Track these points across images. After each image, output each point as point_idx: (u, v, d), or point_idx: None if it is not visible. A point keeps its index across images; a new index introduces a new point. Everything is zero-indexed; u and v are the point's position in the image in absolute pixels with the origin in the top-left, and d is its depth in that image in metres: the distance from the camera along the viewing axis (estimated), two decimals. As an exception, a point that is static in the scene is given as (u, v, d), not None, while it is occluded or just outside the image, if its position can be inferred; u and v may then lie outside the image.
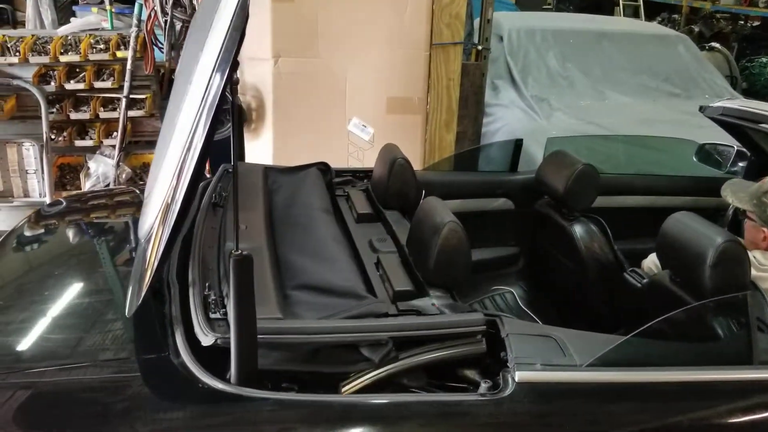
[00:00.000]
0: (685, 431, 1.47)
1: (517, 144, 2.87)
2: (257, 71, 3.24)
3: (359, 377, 1.46)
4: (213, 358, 1.42)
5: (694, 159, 3.22)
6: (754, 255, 2.03)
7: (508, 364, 1.44)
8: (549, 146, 2.89)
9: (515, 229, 2.81)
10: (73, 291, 1.89)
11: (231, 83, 1.33)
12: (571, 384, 1.44)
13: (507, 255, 2.83)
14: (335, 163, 2.74)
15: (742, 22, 10.42)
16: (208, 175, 3.40)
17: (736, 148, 3.04)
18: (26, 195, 3.90)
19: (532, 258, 2.80)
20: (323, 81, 3.25)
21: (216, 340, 1.40)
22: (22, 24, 4.87)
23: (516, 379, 1.41)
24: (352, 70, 3.26)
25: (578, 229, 2.40)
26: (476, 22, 4.10)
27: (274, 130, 3.26)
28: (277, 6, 3.12)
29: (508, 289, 2.66)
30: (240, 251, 1.28)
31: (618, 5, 9.88)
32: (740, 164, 3.04)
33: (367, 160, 2.91)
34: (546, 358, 1.45)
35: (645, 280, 2.14)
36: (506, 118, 4.41)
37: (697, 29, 10.00)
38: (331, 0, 3.17)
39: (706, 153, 3.22)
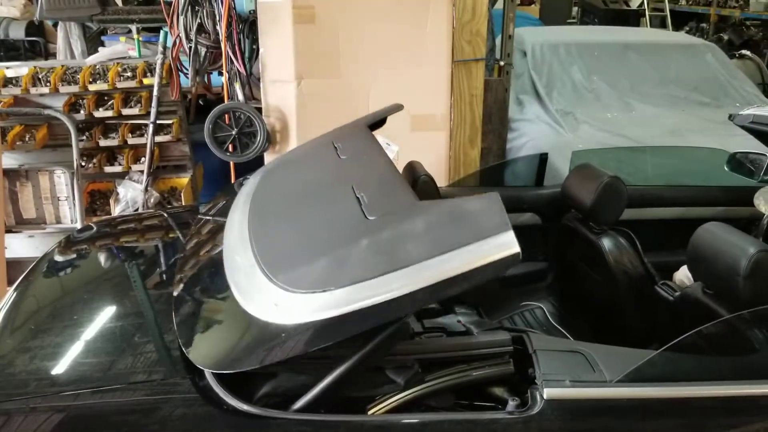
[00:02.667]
0: None
1: (542, 158, 2.84)
2: (280, 93, 3.27)
3: (385, 400, 1.44)
4: (236, 380, 1.42)
5: (726, 168, 3.16)
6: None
7: (536, 381, 1.41)
8: (575, 159, 2.86)
9: (543, 243, 2.77)
10: (104, 314, 1.91)
11: None
12: (600, 401, 1.41)
13: (535, 270, 2.80)
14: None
15: (773, 29, 10.24)
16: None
17: (768, 156, 2.98)
18: (58, 221, 3.97)
19: (561, 273, 2.76)
20: (346, 101, 3.27)
21: None
22: (54, 56, 4.99)
23: (544, 396, 1.38)
24: (375, 89, 3.27)
25: (607, 243, 2.35)
26: (498, 38, 4.10)
27: (298, 151, 3.28)
28: (299, 28, 3.15)
29: (538, 305, 2.62)
30: None
31: (644, 16, 9.80)
32: (775, 174, 2.97)
33: (392, 178, 2.91)
34: (575, 375, 1.42)
35: (677, 293, 2.09)
36: (531, 132, 4.38)
37: (726, 37, 9.86)
38: (351, 20, 3.20)
39: (738, 162, 3.15)
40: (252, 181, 2.26)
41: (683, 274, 2.21)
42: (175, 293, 1.84)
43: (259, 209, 1.96)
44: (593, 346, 1.48)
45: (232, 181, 3.53)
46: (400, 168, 2.49)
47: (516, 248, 1.35)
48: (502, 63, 3.91)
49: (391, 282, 1.37)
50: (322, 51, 3.21)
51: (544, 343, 1.53)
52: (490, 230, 1.39)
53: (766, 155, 2.98)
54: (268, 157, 3.38)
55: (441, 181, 2.59)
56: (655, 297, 2.17)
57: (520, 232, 2.68)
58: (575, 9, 10.10)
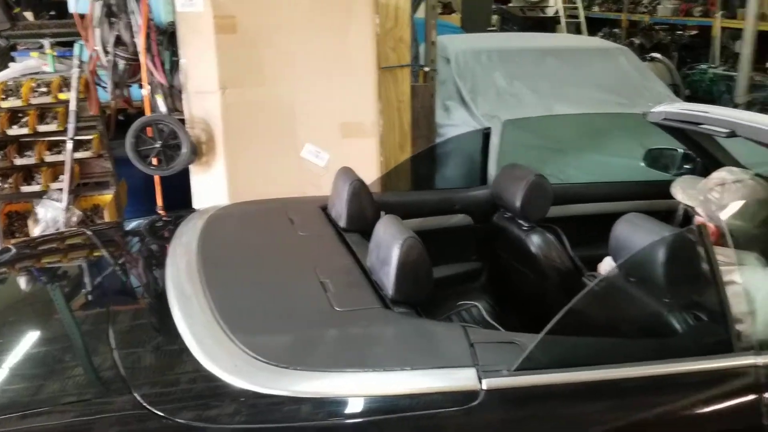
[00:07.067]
0: (654, 426, 1.49)
1: (485, 133, 2.92)
2: (204, 104, 3.21)
3: None
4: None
5: (642, 164, 3.30)
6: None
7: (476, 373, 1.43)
8: (505, 129, 2.94)
9: (476, 243, 2.81)
10: (28, 339, 1.82)
11: None
12: (538, 387, 1.44)
13: (470, 270, 2.84)
14: (291, 191, 2.73)
15: (680, 32, 10.79)
16: (161, 213, 3.35)
17: (681, 151, 3.11)
18: (-27, 247, 3.77)
19: (495, 271, 2.81)
20: (273, 110, 3.24)
21: None
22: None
23: (484, 387, 1.40)
24: (301, 98, 3.26)
25: (536, 240, 2.41)
26: (421, 45, 4.16)
27: (226, 162, 3.23)
28: (221, 38, 3.11)
29: (474, 304, 2.65)
30: None
31: (560, 23, 10.15)
32: (687, 167, 3.11)
33: (324, 185, 2.90)
34: (512, 364, 1.44)
35: (603, 283, 2.16)
36: (456, 142, 4.46)
37: (638, 41, 10.32)
38: (273, 29, 3.18)
39: (653, 157, 3.29)
40: (195, 224, 2.26)
41: (608, 264, 2.29)
42: (112, 325, 1.78)
43: (211, 259, 1.98)
44: (528, 336, 1.51)
45: (158, 196, 3.45)
46: (332, 176, 2.49)
47: (477, 387, 1.41)
48: (427, 69, 3.97)
49: (359, 380, 1.42)
50: (246, 60, 3.18)
51: (481, 336, 1.55)
52: (453, 361, 1.47)
53: (678, 150, 3.12)
54: (195, 170, 3.31)
55: (373, 188, 2.60)
56: (582, 288, 2.23)
57: (453, 233, 2.76)
58: (495, 17, 10.36)
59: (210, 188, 3.29)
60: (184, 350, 1.55)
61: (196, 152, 3.26)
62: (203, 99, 3.21)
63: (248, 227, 2.34)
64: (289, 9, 3.22)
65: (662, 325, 1.74)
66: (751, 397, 1.55)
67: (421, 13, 4.21)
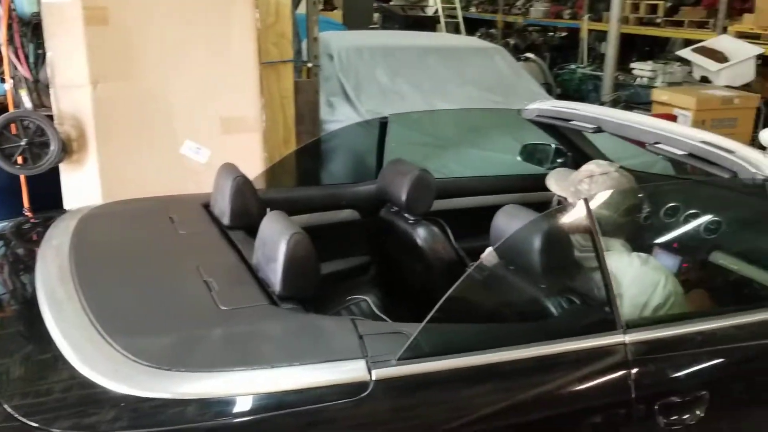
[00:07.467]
0: (534, 404, 1.57)
1: (383, 122, 2.95)
2: (74, 99, 3.03)
3: None
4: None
5: (519, 159, 3.45)
6: (576, 238, 2.18)
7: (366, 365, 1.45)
8: (391, 122, 3.01)
9: (363, 238, 2.84)
10: None
11: None
12: (425, 375, 1.47)
13: (358, 264, 2.86)
14: (171, 189, 2.63)
15: (552, 34, 11.39)
16: (28, 215, 3.13)
17: (553, 146, 3.28)
18: None
19: (383, 265, 2.84)
20: (149, 105, 3.11)
21: None
22: None
23: (373, 378, 1.41)
24: (180, 92, 3.15)
25: (421, 233, 2.46)
26: (304, 41, 4.14)
27: (99, 159, 3.06)
28: (91, 29, 2.94)
29: (363, 298, 2.67)
30: None
31: (440, 22, 10.42)
32: (559, 160, 3.28)
33: (205, 183, 2.81)
34: (400, 354, 1.47)
35: (486, 273, 2.24)
36: (344, 134, 4.47)
37: (512, 42, 10.81)
38: (148, 22, 3.05)
39: (529, 152, 3.45)
40: (67, 226, 2.14)
41: (489, 254, 2.37)
42: None
43: (85, 261, 1.88)
44: (414, 326, 1.54)
45: (24, 197, 3.22)
46: (213, 173, 2.42)
47: (366, 378, 1.41)
48: (310, 65, 3.96)
49: (246, 378, 1.39)
50: (119, 53, 3.03)
51: (369, 327, 1.56)
52: (342, 353, 1.46)
53: (551, 145, 3.29)
54: (65, 168, 3.12)
55: (258, 184, 2.56)
56: None
57: (341, 228, 2.77)
58: (376, 15, 10.48)
59: (82, 187, 3.11)
60: (59, 357, 1.46)
61: (66, 150, 3.07)
62: (73, 93, 3.02)
63: (125, 227, 2.24)
64: (165, 1, 3.09)
65: (540, 306, 1.83)
66: (621, 373, 1.66)
67: (302, 9, 4.19)
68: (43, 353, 1.53)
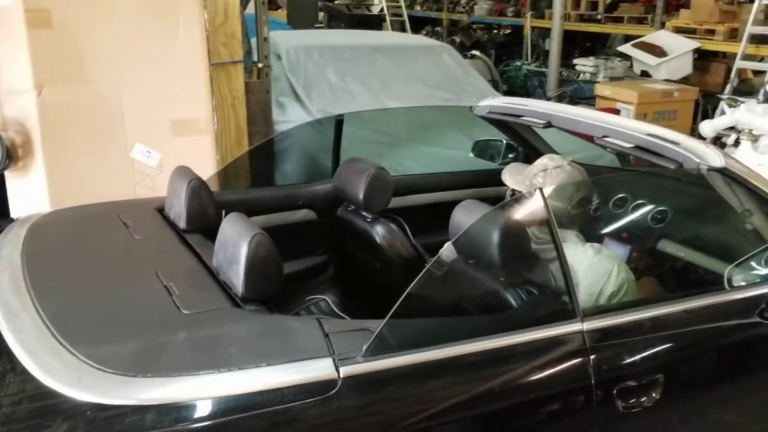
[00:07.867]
0: (498, 394, 1.60)
1: (339, 120, 2.96)
2: (18, 104, 2.94)
3: None
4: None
5: (471, 155, 3.50)
6: (532, 230, 2.24)
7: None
8: (346, 121, 3.03)
9: (321, 238, 2.83)
10: None
11: None
12: (390, 370, 1.50)
13: (316, 264, 2.85)
14: (122, 194, 2.58)
15: (496, 31, 11.56)
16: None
17: (505, 141, 3.34)
18: None
19: (341, 264, 2.85)
20: (97, 108, 3.04)
21: None
22: None
23: (341, 375, 1.43)
24: (128, 95, 3.08)
25: (379, 230, 2.48)
26: (254, 40, 4.11)
27: (45, 165, 2.98)
28: (34, 33, 2.86)
29: (322, 297, 2.67)
30: None
31: (385, 21, 10.46)
32: (510, 156, 3.34)
33: (158, 186, 2.78)
34: (366, 350, 1.48)
35: (445, 268, 2.27)
36: (296, 134, 4.45)
37: (458, 39, 10.93)
38: (94, 24, 2.97)
39: (481, 149, 3.51)
40: (16, 234, 2.08)
41: (448, 250, 2.41)
42: None
43: (38, 270, 1.83)
44: (378, 322, 1.56)
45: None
46: (166, 176, 2.38)
47: (334, 375, 1.43)
48: (260, 65, 3.93)
49: (214, 381, 1.39)
50: (65, 57, 2.95)
51: (334, 326, 1.57)
52: (309, 352, 1.47)
53: (502, 141, 3.35)
54: (11, 176, 3.02)
55: (212, 185, 2.53)
56: None
57: (298, 228, 2.76)
58: (321, 14, 10.46)
59: (29, 195, 3.02)
60: (18, 368, 1.42)
61: (11, 156, 2.98)
62: (17, 98, 2.94)
63: (78, 234, 2.18)
64: (110, 2, 3.03)
65: (500, 298, 1.86)
66: (580, 359, 1.71)
67: (250, 8, 4.16)
68: (3, 365, 1.49)
